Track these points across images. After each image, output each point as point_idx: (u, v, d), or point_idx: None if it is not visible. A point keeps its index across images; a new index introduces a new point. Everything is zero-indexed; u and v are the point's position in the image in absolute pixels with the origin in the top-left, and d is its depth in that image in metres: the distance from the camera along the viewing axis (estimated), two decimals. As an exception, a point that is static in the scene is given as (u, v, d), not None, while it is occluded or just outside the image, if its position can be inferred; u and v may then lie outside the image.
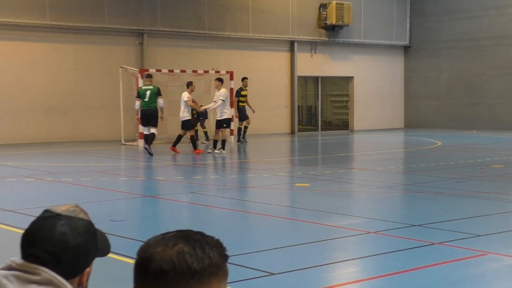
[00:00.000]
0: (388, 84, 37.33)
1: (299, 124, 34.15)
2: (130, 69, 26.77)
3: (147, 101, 21.37)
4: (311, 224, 9.74)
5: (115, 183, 14.81)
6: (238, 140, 26.04)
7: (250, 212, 11.09)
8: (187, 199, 12.40)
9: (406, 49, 37.62)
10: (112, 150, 23.57)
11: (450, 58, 35.55)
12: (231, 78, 26.97)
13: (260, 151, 23.20)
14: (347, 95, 36.35)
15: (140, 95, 21.43)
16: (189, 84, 22.12)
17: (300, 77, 34.03)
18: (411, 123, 37.43)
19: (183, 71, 26.57)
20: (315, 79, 35.24)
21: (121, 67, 26.77)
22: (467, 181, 14.34)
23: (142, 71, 24.88)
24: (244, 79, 26.43)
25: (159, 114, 21.49)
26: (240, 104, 26.33)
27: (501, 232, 9.25)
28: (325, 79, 35.42)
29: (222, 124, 22.05)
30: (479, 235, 8.98)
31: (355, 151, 23.68)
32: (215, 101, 22.24)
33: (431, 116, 36.62)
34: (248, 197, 12.99)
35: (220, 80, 22.44)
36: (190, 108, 22.03)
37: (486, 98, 34.41)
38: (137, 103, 21.59)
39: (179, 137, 22.02)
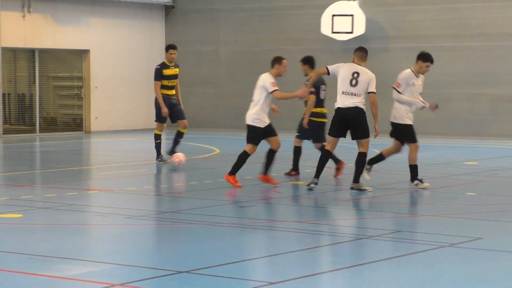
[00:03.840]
0: (142, 63, 28.75)
1: (5, 122, 26.35)
2: None
3: None
4: (20, 276, 7.50)
5: None
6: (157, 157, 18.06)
7: None
8: None
9: (168, 10, 29.57)
10: None
11: (235, 25, 28.57)
12: None
13: None
14: (80, 79, 28.07)
15: None
16: (276, 61, 14.06)
17: (6, 50, 25.92)
18: (179, 120, 29.49)
19: None
20: (30, 52, 26.93)
21: None
22: (256, 205, 12.34)
23: None
24: (170, 47, 17.78)
25: None
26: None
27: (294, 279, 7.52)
28: (46, 53, 27.18)
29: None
30: (272, 283, 7.37)
31: (93, 164, 19.83)
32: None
33: (208, 111, 29.72)
34: None
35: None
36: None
37: (284, 84, 25.04)
38: None
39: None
